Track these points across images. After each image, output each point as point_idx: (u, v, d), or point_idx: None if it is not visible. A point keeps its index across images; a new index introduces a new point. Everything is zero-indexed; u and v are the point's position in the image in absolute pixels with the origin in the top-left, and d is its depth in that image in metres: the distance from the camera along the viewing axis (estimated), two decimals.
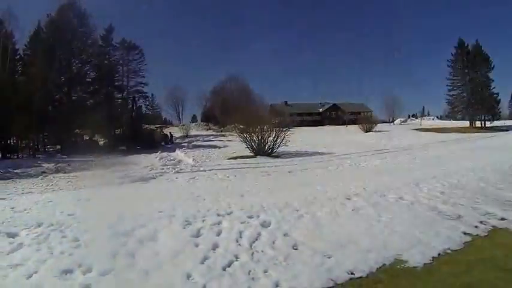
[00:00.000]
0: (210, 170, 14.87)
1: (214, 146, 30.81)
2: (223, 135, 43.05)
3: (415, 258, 4.49)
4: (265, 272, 4.16)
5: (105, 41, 44.94)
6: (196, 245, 4.96)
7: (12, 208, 7.99)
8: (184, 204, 7.57)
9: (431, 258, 4.49)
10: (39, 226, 6.03)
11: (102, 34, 44.39)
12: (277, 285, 3.87)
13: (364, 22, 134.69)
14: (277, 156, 20.14)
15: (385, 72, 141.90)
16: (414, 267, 4.30)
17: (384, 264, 4.36)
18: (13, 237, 5.51)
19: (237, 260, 4.47)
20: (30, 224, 6.16)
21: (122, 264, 4.40)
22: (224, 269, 4.23)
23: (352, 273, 4.12)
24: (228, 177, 12.68)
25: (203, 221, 6.12)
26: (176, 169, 15.62)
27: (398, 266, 4.35)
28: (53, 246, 5.07)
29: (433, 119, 74.13)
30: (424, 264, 4.36)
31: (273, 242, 5.04)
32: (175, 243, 5.05)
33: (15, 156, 29.98)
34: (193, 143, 34.99)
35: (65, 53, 38.54)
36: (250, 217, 6.23)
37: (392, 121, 71.88)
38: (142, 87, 48.75)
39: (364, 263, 4.35)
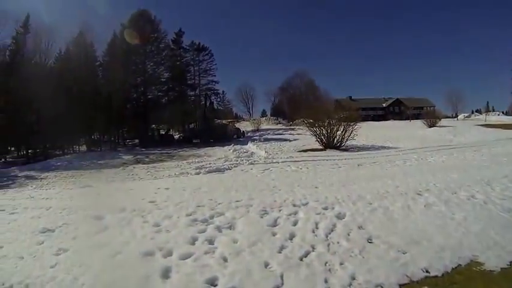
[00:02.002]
0: (282, 161, 14.76)
1: (285, 139, 30.65)
2: (292, 129, 43.08)
3: (492, 261, 4.14)
4: (342, 264, 4.06)
5: (176, 44, 48.15)
6: (274, 234, 4.94)
7: (98, 194, 8.49)
8: (260, 194, 7.53)
9: (509, 263, 4.11)
10: (122, 211, 6.34)
11: (173, 38, 47.56)
12: (353, 278, 3.77)
13: (426, 19, 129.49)
14: (345, 150, 19.61)
15: (448, 66, 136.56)
16: (491, 270, 3.97)
17: (459, 265, 4.08)
18: (99, 220, 5.86)
19: (313, 251, 4.40)
20: (114, 209, 6.48)
21: (201, 250, 4.45)
22: (301, 259, 4.18)
23: (427, 272, 3.91)
24: (300, 169, 12.50)
25: (280, 210, 6.11)
26: (250, 161, 15.68)
27: (474, 268, 4.03)
28: (135, 230, 5.30)
29: (498, 115, 67.88)
30: (501, 268, 4.00)
31: (348, 234, 4.91)
32: (253, 232, 5.05)
33: (98, 150, 32.39)
34: (264, 137, 35.11)
35: (139, 56, 41.56)
36: (325, 208, 6.13)
37: (456, 116, 67.18)
38: (214, 84, 52.21)
39: (439, 261, 4.11)
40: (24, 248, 4.82)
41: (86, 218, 6.14)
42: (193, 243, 4.68)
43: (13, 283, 3.83)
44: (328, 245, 4.57)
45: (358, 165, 12.96)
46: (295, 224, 5.39)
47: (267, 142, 28.72)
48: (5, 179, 16.09)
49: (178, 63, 47.19)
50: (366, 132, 25.66)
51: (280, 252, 4.36)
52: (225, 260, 4.19)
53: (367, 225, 5.27)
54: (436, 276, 3.84)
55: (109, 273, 3.90)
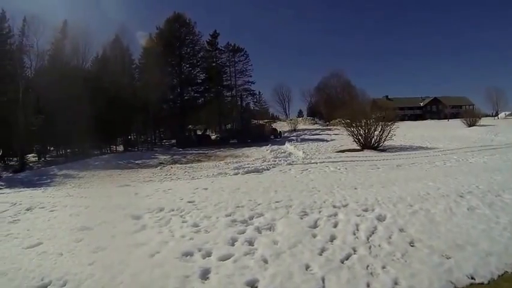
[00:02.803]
0: (321, 162, 14.53)
1: (322, 140, 30.23)
2: (329, 129, 42.72)
3: None
4: (384, 267, 3.91)
5: (212, 46, 49.12)
6: (314, 236, 4.85)
7: (136, 194, 8.58)
8: (300, 195, 7.40)
9: None
10: (160, 211, 6.38)
11: (208, 39, 48.63)
12: (396, 283, 3.61)
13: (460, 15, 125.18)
14: (383, 150, 19.07)
15: (487, 64, 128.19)
16: None
17: (506, 272, 3.81)
18: (137, 219, 5.90)
19: (355, 253, 4.27)
20: (152, 208, 6.53)
21: (241, 251, 4.39)
22: (342, 262, 4.06)
23: (472, 278, 3.69)
24: (339, 169, 12.26)
25: (319, 212, 5.99)
26: (288, 161, 15.53)
27: None
28: (174, 229, 5.30)
29: None
30: None
31: (390, 237, 4.74)
32: (293, 233, 4.95)
33: (135, 150, 33.31)
34: (301, 137, 34.75)
35: (175, 58, 42.50)
36: (366, 210, 5.99)
37: (496, 115, 64.10)
38: (250, 85, 52.46)
39: (485, 268, 3.85)
40: (63, 245, 4.92)
41: (124, 217, 6.20)
42: (232, 244, 4.62)
43: (52, 279, 3.88)
44: (370, 247, 4.44)
45: (397, 166, 12.62)
46: (335, 225, 5.28)
47: (304, 142, 28.41)
48: (44, 177, 16.64)
49: (214, 64, 48.02)
50: (403, 132, 25.04)
51: (321, 255, 4.26)
52: (265, 261, 4.11)
53: (409, 228, 5.10)
54: (482, 284, 3.64)
55: (147, 273, 3.87)
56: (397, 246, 4.43)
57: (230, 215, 5.88)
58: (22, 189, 12.11)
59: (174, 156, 22.90)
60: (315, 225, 5.31)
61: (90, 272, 3.96)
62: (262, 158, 17.76)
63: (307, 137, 35.72)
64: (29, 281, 3.90)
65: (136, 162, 20.16)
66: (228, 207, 6.39)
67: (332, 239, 4.73)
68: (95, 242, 4.90)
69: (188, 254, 4.32)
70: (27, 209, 7.56)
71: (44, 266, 4.24)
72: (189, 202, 7.05)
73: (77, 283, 3.79)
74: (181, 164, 18.38)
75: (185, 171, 14.77)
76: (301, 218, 5.66)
